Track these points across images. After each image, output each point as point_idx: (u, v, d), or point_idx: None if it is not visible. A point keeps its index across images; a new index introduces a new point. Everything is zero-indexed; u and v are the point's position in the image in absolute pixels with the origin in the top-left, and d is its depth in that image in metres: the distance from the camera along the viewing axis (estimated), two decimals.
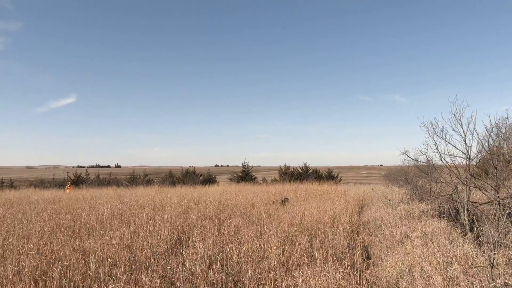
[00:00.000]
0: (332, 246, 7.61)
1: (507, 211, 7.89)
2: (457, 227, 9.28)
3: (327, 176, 38.28)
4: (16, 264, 5.62)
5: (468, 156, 9.82)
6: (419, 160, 13.14)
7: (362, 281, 5.73)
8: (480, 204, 9.68)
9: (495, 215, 8.46)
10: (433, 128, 10.25)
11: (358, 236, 8.93)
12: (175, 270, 6.02)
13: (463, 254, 6.43)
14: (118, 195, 18.38)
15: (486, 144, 9.39)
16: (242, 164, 39.10)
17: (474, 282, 5.15)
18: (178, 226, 9.34)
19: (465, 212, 10.02)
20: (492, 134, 9.27)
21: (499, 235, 6.61)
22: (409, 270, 6.31)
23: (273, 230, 8.50)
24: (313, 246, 7.43)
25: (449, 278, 5.49)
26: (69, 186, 30.06)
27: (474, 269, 5.69)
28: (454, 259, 6.21)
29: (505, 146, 9.24)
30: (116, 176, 42.57)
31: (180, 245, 7.86)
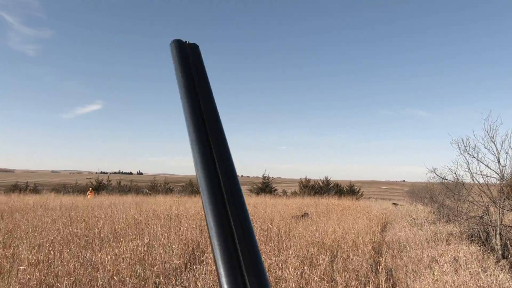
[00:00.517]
0: (354, 269, 7.15)
1: None
2: (488, 253, 8.68)
3: (349, 190, 37.46)
4: (22, 277, 5.39)
5: (501, 176, 9.26)
6: (446, 178, 12.57)
7: None
8: None
9: None
10: (464, 146, 9.74)
11: (381, 258, 8.44)
12: None
13: (499, 285, 5.90)
14: (136, 203, 18.25)
15: None
16: (262, 176, 38.70)
17: None
18: (194, 239, 9.04)
19: (497, 236, 9.41)
20: None
21: None
22: None
23: (292, 249, 8.09)
24: (334, 268, 6.99)
25: None
26: (91, 192, 30.33)
27: None
28: None
29: None
30: (137, 183, 42.66)
31: (194, 259, 7.55)
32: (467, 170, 9.75)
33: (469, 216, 10.74)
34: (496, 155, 9.12)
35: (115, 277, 5.46)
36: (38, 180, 56.50)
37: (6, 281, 5.19)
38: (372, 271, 7.36)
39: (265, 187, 37.83)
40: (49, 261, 6.43)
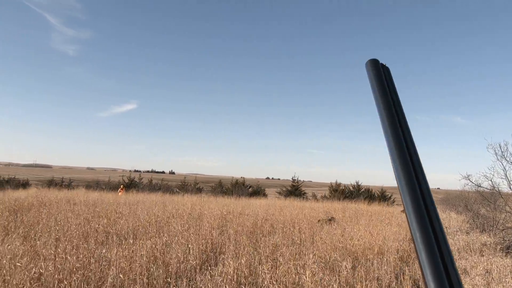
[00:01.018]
0: (377, 277, 6.77)
1: None
2: None
3: (380, 196, 36.50)
4: (37, 271, 5.36)
5: None
6: (482, 185, 11.94)
7: None
8: None
9: None
10: (502, 151, 9.15)
11: (407, 267, 8.00)
12: None
13: None
14: (163, 202, 18.33)
15: None
16: (292, 178, 38.33)
17: None
18: (214, 239, 8.88)
19: None
20: None
21: None
22: None
23: (313, 253, 7.78)
24: (355, 276, 6.64)
25: None
26: (122, 189, 30.95)
27: None
28: None
29: None
30: (168, 182, 43.16)
31: (211, 260, 7.37)
32: (503, 177, 9.16)
33: (505, 227, 10.10)
34: None
35: (121, 275, 5.34)
36: (73, 176, 58.27)
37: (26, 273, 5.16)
38: (397, 280, 6.96)
39: (295, 190, 37.40)
40: (66, 255, 6.41)
